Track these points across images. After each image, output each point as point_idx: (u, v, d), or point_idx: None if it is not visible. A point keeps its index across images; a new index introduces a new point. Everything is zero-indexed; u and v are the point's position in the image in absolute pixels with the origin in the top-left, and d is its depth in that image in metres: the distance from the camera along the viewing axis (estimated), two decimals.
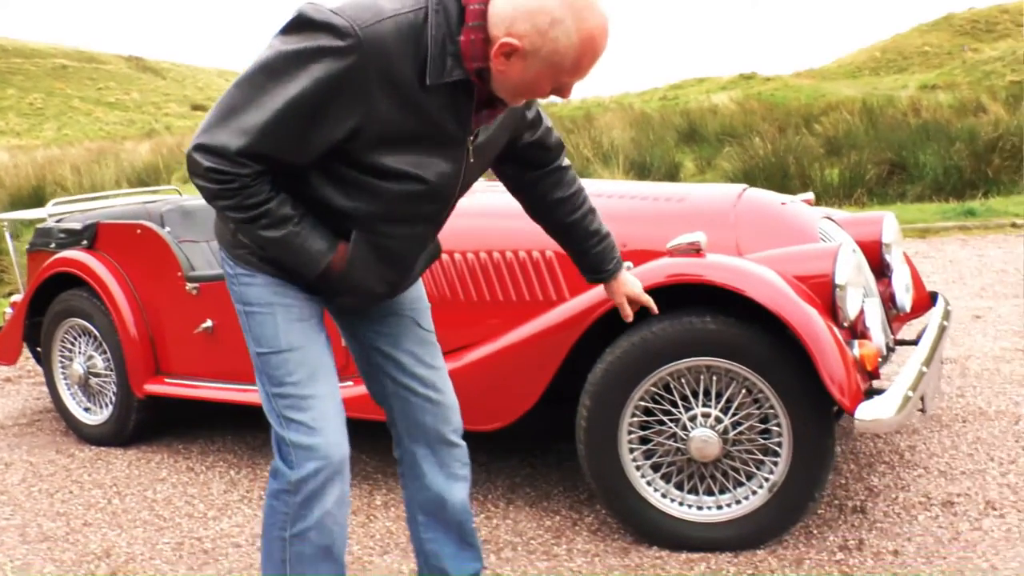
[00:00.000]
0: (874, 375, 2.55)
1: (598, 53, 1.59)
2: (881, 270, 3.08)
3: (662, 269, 2.46)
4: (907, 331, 3.32)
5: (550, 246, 2.84)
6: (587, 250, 2.09)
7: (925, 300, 3.28)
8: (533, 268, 2.95)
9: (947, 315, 3.12)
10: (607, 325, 2.54)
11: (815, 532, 2.63)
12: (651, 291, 2.22)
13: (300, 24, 1.59)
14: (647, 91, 36.64)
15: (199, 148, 1.65)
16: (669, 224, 2.83)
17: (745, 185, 3.08)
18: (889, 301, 3.02)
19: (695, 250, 2.48)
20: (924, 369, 2.51)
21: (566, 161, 2.07)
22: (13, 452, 3.96)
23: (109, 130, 43.71)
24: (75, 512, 3.26)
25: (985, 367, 4.04)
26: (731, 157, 10.69)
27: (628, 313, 2.16)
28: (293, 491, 1.82)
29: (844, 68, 36.57)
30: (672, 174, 11.10)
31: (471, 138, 1.75)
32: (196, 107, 59.80)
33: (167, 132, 32.67)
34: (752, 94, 23.25)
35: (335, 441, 1.83)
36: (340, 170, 1.72)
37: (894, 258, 3.09)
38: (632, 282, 2.16)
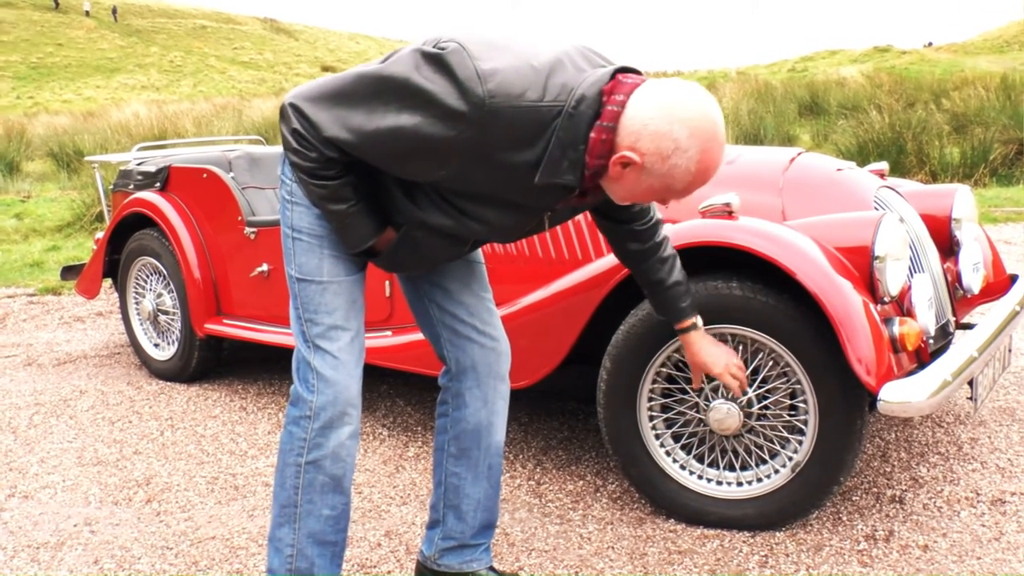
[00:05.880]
0: (923, 358, 2.37)
1: (707, 180, 1.60)
2: (950, 247, 2.84)
3: (690, 230, 2.33)
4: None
5: None
6: (651, 292, 2.10)
7: (1003, 283, 3.01)
8: (560, 227, 2.87)
9: None
10: (635, 287, 2.44)
11: (844, 519, 2.47)
12: (679, 252, 2.11)
13: (443, 66, 1.56)
14: (776, 63, 35.30)
15: (297, 109, 1.72)
16: (716, 185, 2.67)
17: (801, 149, 2.88)
18: (955, 281, 2.78)
19: (727, 212, 2.35)
20: (975, 354, 2.30)
21: (659, 236, 2.02)
22: (90, 381, 4.17)
23: (241, 88, 45.42)
24: (129, 441, 3.41)
25: None
26: (844, 131, 10.14)
27: (694, 380, 2.22)
28: (313, 417, 1.85)
29: (990, 42, 34.02)
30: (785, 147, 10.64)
31: (549, 213, 1.78)
32: (326, 68, 61.37)
33: None
34: (884, 67, 22.02)
35: (354, 376, 1.88)
36: (413, 183, 1.77)
37: (964, 235, 2.84)
38: (705, 352, 2.13)
